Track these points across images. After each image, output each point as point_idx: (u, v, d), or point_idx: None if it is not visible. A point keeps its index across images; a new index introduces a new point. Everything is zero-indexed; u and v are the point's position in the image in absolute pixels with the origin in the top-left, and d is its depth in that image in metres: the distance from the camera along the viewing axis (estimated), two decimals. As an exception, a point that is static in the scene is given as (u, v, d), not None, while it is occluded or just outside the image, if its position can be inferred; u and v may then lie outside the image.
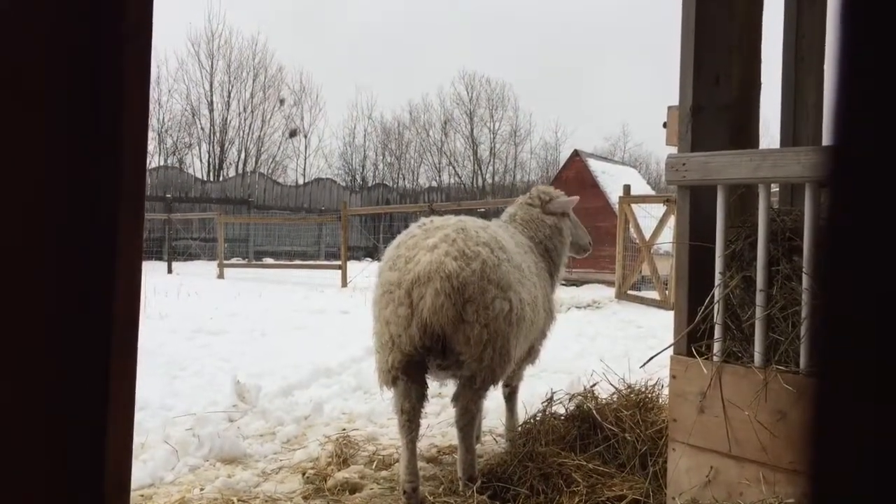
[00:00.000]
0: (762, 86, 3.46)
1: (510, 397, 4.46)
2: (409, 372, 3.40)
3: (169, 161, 32.24)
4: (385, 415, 5.04)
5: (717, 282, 3.00)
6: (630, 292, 13.42)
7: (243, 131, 35.18)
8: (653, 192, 20.03)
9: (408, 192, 36.37)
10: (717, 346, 2.97)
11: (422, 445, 4.05)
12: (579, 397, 4.15)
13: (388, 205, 30.58)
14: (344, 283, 16.21)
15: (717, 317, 2.98)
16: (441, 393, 5.15)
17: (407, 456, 3.46)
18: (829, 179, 0.50)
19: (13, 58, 0.83)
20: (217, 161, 34.54)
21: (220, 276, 18.38)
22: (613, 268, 14.15)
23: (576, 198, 4.59)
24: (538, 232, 4.32)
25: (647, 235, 13.08)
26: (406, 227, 3.78)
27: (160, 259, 22.29)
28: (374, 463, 4.06)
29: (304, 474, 3.88)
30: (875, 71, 0.48)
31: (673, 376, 3.11)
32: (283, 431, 4.70)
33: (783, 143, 4.04)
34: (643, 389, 4.10)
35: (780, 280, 2.86)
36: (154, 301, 10.52)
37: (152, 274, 16.60)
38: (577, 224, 4.69)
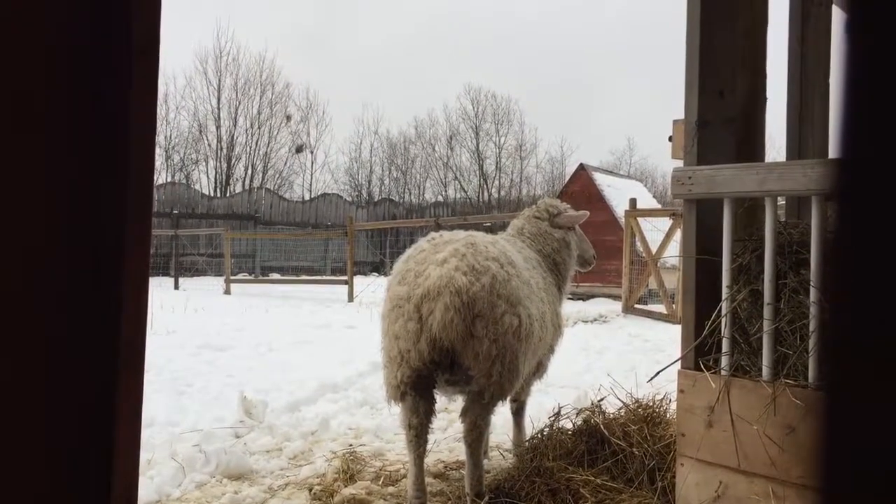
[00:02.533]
0: (767, 99, 3.47)
1: (518, 412, 4.45)
2: (417, 387, 3.39)
3: (176, 177, 32.40)
4: (391, 430, 5.02)
5: (724, 295, 2.99)
6: (637, 306, 13.38)
7: (250, 147, 35.39)
8: (659, 206, 20.00)
9: (414, 206, 36.42)
10: (724, 360, 2.96)
11: (428, 461, 4.04)
12: (587, 412, 4.13)
13: (394, 220, 30.61)
14: (350, 298, 16.20)
15: (725, 330, 2.97)
16: (448, 408, 5.14)
17: (415, 472, 3.45)
18: (835, 192, 0.50)
19: (19, 75, 0.83)
20: (224, 177, 34.71)
21: (227, 291, 18.41)
22: (620, 282, 14.13)
23: (586, 212, 4.59)
24: (546, 245, 4.31)
25: (654, 249, 13.05)
26: (412, 241, 3.79)
27: (167, 275, 22.36)
28: (381, 479, 4.04)
29: (310, 490, 3.87)
30: (880, 83, 0.48)
31: (681, 391, 3.10)
32: (289, 447, 4.69)
33: (789, 156, 4.03)
34: (651, 404, 4.08)
35: (787, 293, 2.85)
36: (161, 317, 10.54)
37: (159, 290, 16.65)
38: (582, 237, 4.68)
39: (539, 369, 4.17)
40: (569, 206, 4.59)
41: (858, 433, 0.49)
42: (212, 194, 32.20)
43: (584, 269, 4.80)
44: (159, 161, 31.81)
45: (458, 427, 3.64)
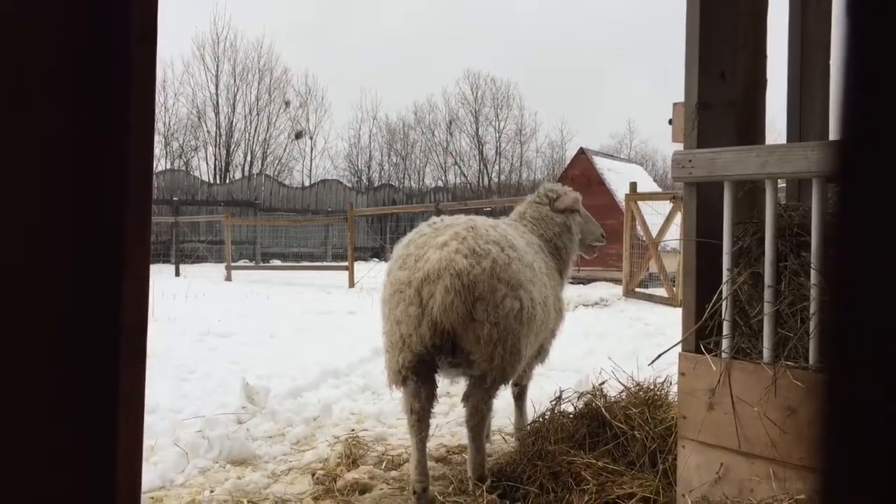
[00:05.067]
0: (768, 81, 3.45)
1: (519, 396, 4.46)
2: (419, 371, 3.40)
3: (175, 164, 32.36)
4: (393, 415, 5.04)
5: (724, 278, 2.99)
6: (638, 290, 13.40)
7: (249, 133, 35.33)
8: (659, 190, 19.99)
9: (414, 192, 36.39)
10: (725, 343, 2.96)
11: (431, 445, 4.06)
12: (588, 395, 4.14)
13: (394, 205, 30.59)
14: (351, 284, 16.22)
15: (726, 313, 2.97)
16: (449, 392, 5.15)
17: (417, 456, 3.46)
18: (836, 174, 0.50)
19: (18, 64, 0.83)
20: (223, 164, 34.66)
21: (228, 278, 18.44)
22: (621, 265, 14.13)
23: (577, 195, 4.58)
24: (548, 230, 4.32)
25: (654, 233, 13.05)
26: (412, 227, 3.78)
27: (168, 262, 22.37)
28: (384, 463, 4.06)
29: (313, 475, 3.89)
30: (881, 65, 0.48)
31: (682, 373, 3.11)
32: (292, 432, 4.71)
33: (790, 138, 4.02)
34: (652, 387, 4.09)
35: (788, 276, 2.85)
36: (162, 304, 10.55)
37: (160, 277, 16.65)
38: (587, 218, 4.68)
39: (541, 353, 4.18)
40: (569, 188, 4.59)
41: (858, 415, 0.49)
42: (211, 181, 32.17)
43: (590, 253, 4.79)
44: (158, 148, 31.74)
45: (461, 411, 3.66)
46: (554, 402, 4.15)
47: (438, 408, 3.87)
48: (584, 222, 4.61)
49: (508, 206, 4.93)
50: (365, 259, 24.66)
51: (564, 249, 4.37)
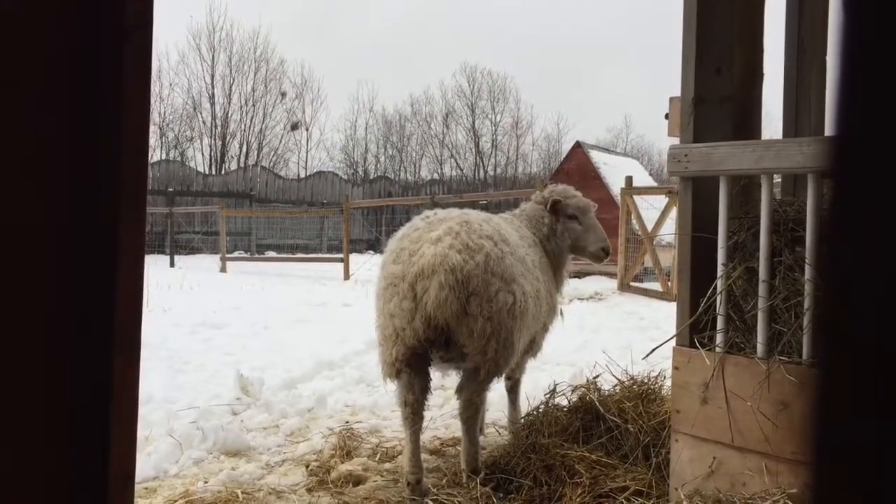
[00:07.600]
0: (764, 76, 3.45)
1: (512, 389, 4.46)
2: (412, 364, 3.40)
3: (170, 155, 32.27)
4: (388, 407, 5.04)
5: (719, 273, 3.00)
6: (632, 284, 13.41)
7: (245, 124, 35.23)
8: (655, 184, 19.98)
9: (410, 184, 36.33)
10: (719, 338, 2.97)
11: (425, 438, 4.06)
12: (582, 389, 4.15)
13: (389, 197, 30.55)
14: (346, 276, 16.21)
15: (720, 308, 2.98)
16: (444, 385, 5.16)
17: (411, 448, 3.47)
18: (831, 169, 0.50)
19: (13, 54, 0.83)
20: (219, 154, 34.57)
21: (223, 269, 18.40)
22: (616, 259, 14.12)
23: (587, 202, 4.41)
24: (538, 231, 4.21)
25: (650, 227, 13.05)
26: (408, 219, 3.77)
27: (163, 253, 22.32)
28: (378, 455, 4.07)
29: (307, 467, 3.89)
30: (877, 61, 0.47)
31: (675, 367, 3.11)
32: (286, 424, 4.71)
33: (785, 133, 4.02)
34: (646, 381, 4.10)
35: (782, 271, 2.86)
36: (157, 295, 10.53)
37: (155, 268, 16.62)
38: (590, 228, 4.38)
39: (532, 347, 4.14)
40: (579, 193, 4.41)
41: (850, 410, 0.49)
42: (207, 172, 32.08)
43: (595, 262, 4.57)
44: (154, 139, 31.67)
45: (455, 404, 3.66)
46: (548, 396, 4.15)
47: (433, 400, 3.87)
48: (583, 230, 4.34)
49: (504, 200, 4.88)
50: (360, 251, 24.65)
51: (552, 254, 4.23)
